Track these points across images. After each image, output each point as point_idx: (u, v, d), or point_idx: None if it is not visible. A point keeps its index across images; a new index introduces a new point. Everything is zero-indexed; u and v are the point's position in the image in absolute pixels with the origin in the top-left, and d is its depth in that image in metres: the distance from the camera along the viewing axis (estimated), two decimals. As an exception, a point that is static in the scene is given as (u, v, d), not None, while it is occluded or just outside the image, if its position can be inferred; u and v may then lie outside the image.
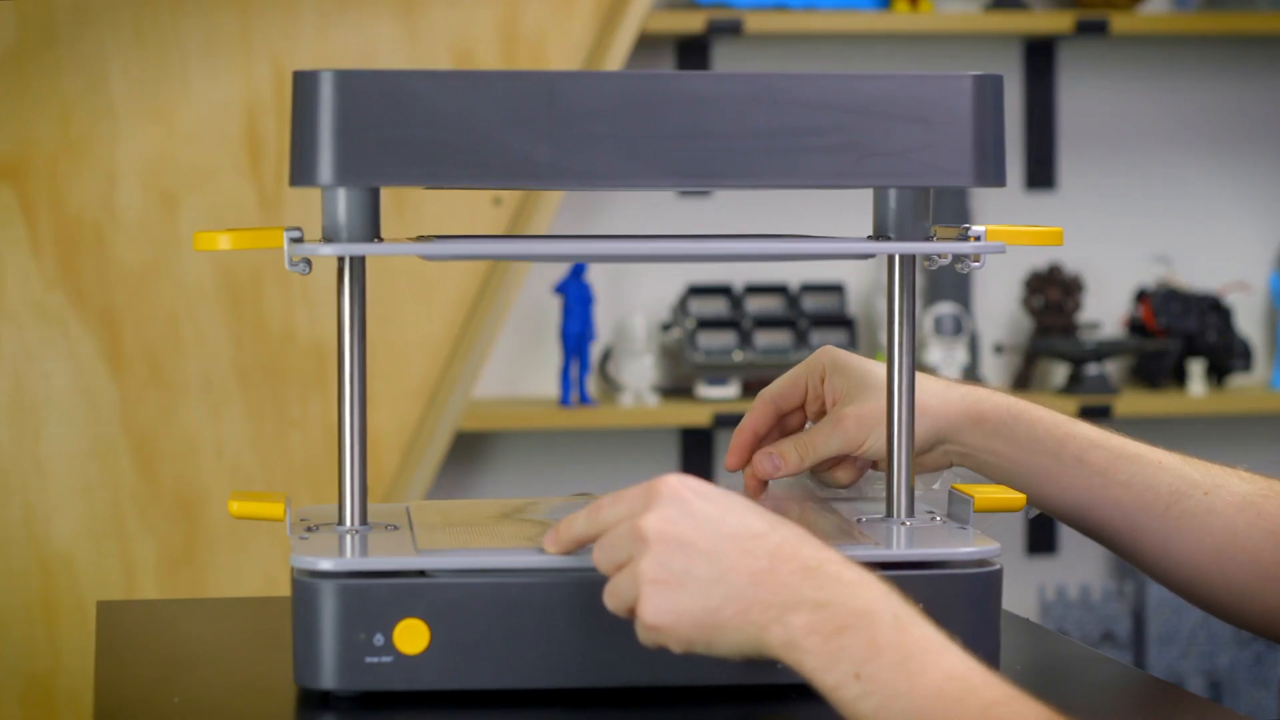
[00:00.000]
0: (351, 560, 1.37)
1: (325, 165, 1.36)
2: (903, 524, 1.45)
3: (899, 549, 1.41)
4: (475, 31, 3.25)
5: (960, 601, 1.39)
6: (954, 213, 3.72)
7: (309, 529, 1.43)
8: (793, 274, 3.69)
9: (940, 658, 1.16)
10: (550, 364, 3.61)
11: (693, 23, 3.46)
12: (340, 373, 1.44)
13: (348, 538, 1.40)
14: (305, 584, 1.36)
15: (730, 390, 3.54)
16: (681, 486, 1.26)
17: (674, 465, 3.69)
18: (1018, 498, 1.50)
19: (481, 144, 1.37)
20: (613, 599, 1.28)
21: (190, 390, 3.15)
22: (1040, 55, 3.77)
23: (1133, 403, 3.62)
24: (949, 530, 1.45)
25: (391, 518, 1.48)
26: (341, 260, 1.41)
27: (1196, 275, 3.83)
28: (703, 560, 1.23)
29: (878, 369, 1.50)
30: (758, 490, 1.53)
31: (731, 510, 1.25)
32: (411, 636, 1.35)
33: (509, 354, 3.61)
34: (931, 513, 1.50)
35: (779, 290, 3.63)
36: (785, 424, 1.56)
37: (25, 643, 3.09)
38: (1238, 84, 3.84)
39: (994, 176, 1.43)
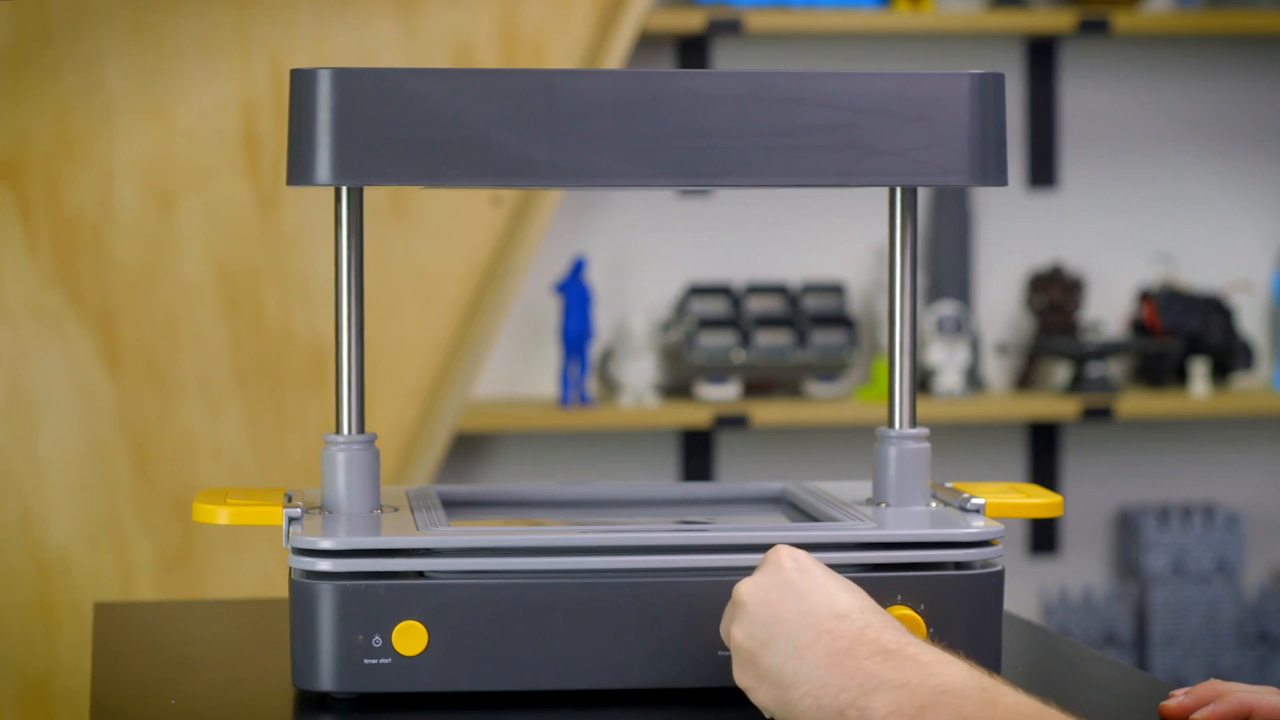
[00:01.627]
0: (352, 539, 1.36)
1: (323, 164, 1.36)
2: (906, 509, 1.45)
3: (900, 529, 1.40)
4: (474, 30, 3.24)
5: (962, 603, 1.39)
6: (956, 211, 3.71)
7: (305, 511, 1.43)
8: (793, 274, 3.69)
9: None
10: (550, 364, 3.60)
11: (693, 21, 3.45)
12: (338, 362, 1.43)
13: (345, 520, 1.40)
14: (303, 585, 1.36)
15: (730, 390, 3.53)
16: (785, 555, 1.28)
17: (674, 465, 3.68)
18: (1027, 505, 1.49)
19: (480, 143, 1.37)
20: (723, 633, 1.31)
21: (188, 390, 3.14)
22: (1042, 54, 3.76)
23: (1135, 403, 3.62)
24: (952, 515, 1.44)
25: (392, 499, 1.50)
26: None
27: (1199, 274, 3.82)
28: (782, 632, 1.24)
29: None
30: None
31: (822, 587, 1.25)
32: (410, 638, 1.35)
33: (508, 354, 3.60)
34: (934, 500, 1.50)
35: (779, 290, 3.62)
36: None
37: (22, 644, 3.09)
38: (1240, 83, 3.83)
39: (995, 175, 1.42)
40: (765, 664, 1.24)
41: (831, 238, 3.70)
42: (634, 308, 3.63)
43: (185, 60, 3.11)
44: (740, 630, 1.27)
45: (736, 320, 3.55)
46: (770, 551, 1.29)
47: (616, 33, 3.28)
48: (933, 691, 1.15)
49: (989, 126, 1.41)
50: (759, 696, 1.26)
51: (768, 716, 1.27)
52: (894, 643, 1.20)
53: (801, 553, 1.28)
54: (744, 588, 1.28)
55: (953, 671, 1.17)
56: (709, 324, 3.53)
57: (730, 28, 3.46)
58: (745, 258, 3.69)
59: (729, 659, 1.37)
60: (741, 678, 1.27)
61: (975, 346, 3.68)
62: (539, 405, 3.53)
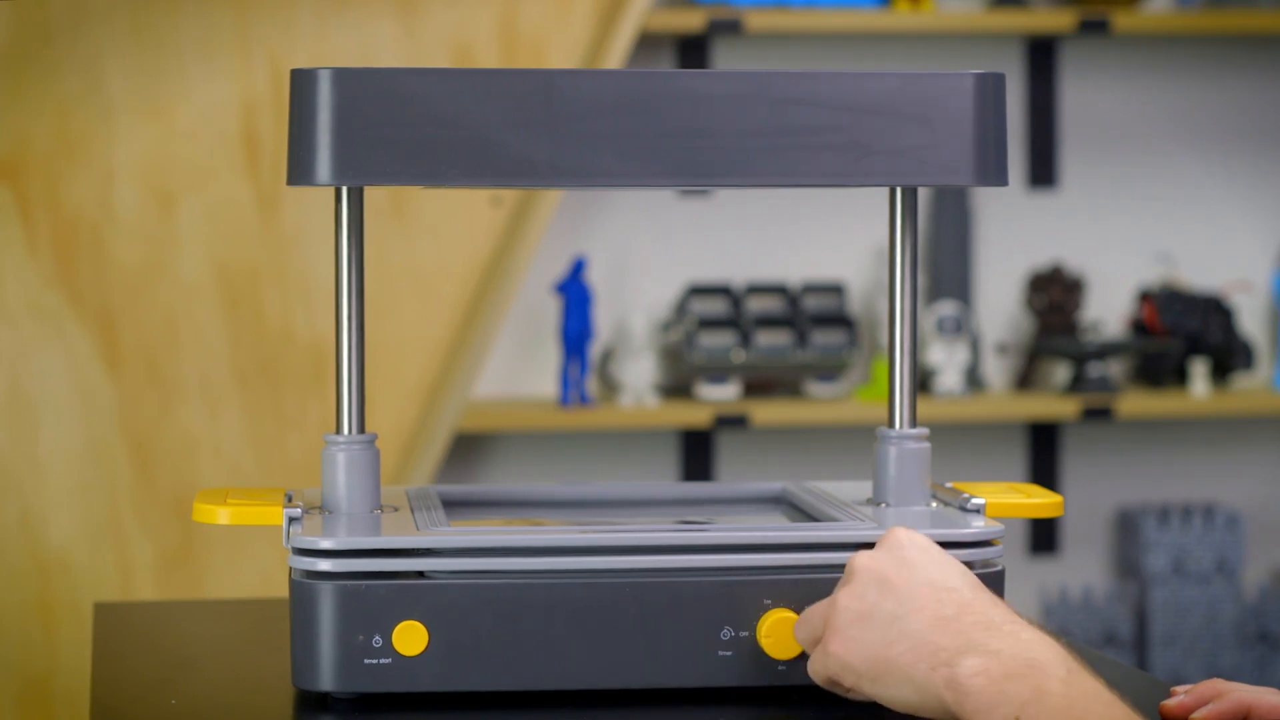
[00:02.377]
0: (352, 539, 1.36)
1: (323, 164, 1.36)
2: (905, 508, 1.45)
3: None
4: (474, 30, 3.24)
5: (962, 603, 1.38)
6: (956, 211, 3.71)
7: (306, 511, 1.43)
8: (793, 274, 3.69)
9: (1107, 710, 1.17)
10: (550, 364, 3.60)
11: (693, 21, 3.45)
12: (338, 362, 1.43)
13: (346, 520, 1.40)
14: (304, 585, 1.36)
15: (730, 390, 3.53)
16: (904, 536, 1.30)
17: (674, 465, 3.68)
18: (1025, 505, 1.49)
19: (480, 143, 1.37)
20: (804, 626, 1.33)
21: (188, 390, 3.14)
22: (1042, 54, 3.76)
23: (1135, 403, 3.62)
24: (952, 515, 1.44)
25: (392, 499, 1.50)
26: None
27: (1199, 274, 3.82)
28: (893, 598, 1.26)
29: None
30: None
31: (938, 564, 1.28)
32: (410, 638, 1.35)
33: (508, 354, 3.60)
34: (934, 500, 1.50)
35: (779, 290, 3.62)
36: None
37: (22, 644, 3.09)
38: (1240, 83, 3.83)
39: (996, 176, 1.42)
40: (870, 625, 1.27)
41: (831, 238, 3.70)
42: (634, 308, 3.63)
43: (185, 60, 3.11)
44: (850, 595, 1.28)
45: (736, 320, 3.55)
46: (888, 531, 1.32)
47: (616, 33, 3.28)
48: (1022, 663, 1.20)
49: (989, 126, 1.41)
50: (852, 656, 1.27)
51: (846, 687, 1.29)
52: (999, 617, 1.24)
53: (919, 534, 1.31)
54: (859, 558, 1.30)
55: (1046, 649, 1.21)
56: (709, 324, 3.53)
57: (730, 28, 3.46)
58: (745, 258, 3.69)
59: (729, 659, 1.37)
60: (835, 643, 1.28)
61: (975, 346, 3.68)
62: (539, 405, 3.53)
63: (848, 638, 1.27)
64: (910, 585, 1.27)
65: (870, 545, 1.39)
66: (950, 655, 1.22)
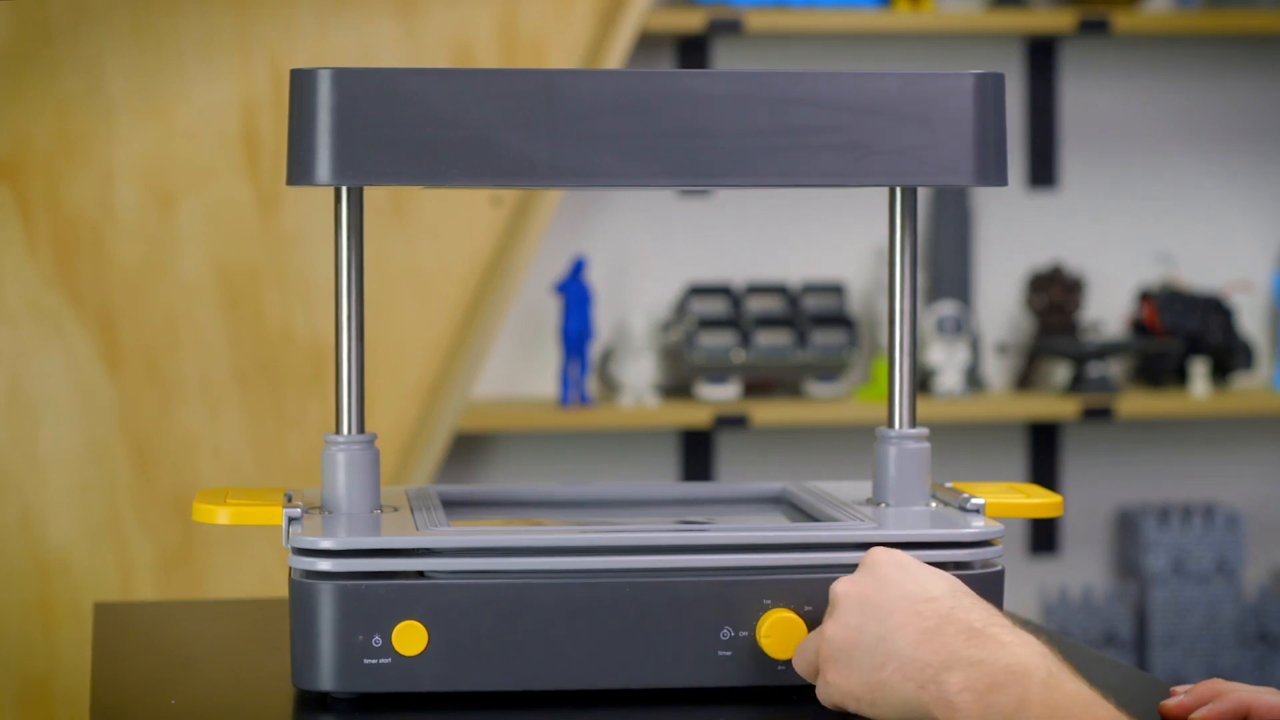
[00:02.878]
0: (352, 539, 1.36)
1: (323, 164, 1.36)
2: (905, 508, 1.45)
3: (900, 529, 1.40)
4: (474, 30, 3.24)
5: (962, 603, 1.38)
6: (956, 211, 3.71)
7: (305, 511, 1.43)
8: (793, 274, 3.69)
9: (1089, 710, 1.18)
10: (550, 364, 3.60)
11: (693, 21, 3.45)
12: (338, 362, 1.43)
13: (346, 520, 1.40)
14: (304, 585, 1.36)
15: (730, 390, 3.53)
16: (882, 555, 1.31)
17: (674, 465, 3.68)
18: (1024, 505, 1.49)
19: (480, 143, 1.37)
20: (800, 660, 1.34)
21: (188, 390, 3.14)
22: (1042, 54, 3.76)
23: (1135, 403, 3.62)
24: (952, 515, 1.44)
25: (392, 499, 1.50)
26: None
27: (1199, 274, 3.82)
28: (875, 618, 1.27)
29: None
30: None
31: (916, 577, 1.29)
32: (410, 638, 1.35)
33: (508, 354, 3.60)
34: (934, 500, 1.50)
35: (779, 290, 3.62)
36: None
37: (22, 644, 3.09)
38: (1240, 83, 3.83)
39: (995, 176, 1.42)
40: (859, 650, 1.28)
41: (831, 238, 3.70)
42: (634, 308, 3.63)
43: (185, 60, 3.11)
44: (835, 624, 1.30)
45: (736, 320, 3.55)
46: (867, 553, 1.32)
47: (616, 33, 3.28)
48: (1003, 670, 1.20)
49: (989, 126, 1.41)
50: (850, 684, 1.28)
51: (851, 712, 1.29)
52: (980, 621, 1.24)
53: (897, 550, 1.32)
54: (839, 585, 1.31)
55: (1027, 652, 1.21)
56: (709, 324, 3.53)
57: (730, 28, 3.46)
58: (745, 258, 3.69)
59: (729, 659, 1.37)
60: (832, 674, 1.29)
61: (975, 346, 3.68)
62: (539, 405, 3.53)
63: (841, 666, 1.29)
64: (890, 603, 1.28)
65: (870, 545, 1.39)
66: (935, 671, 1.23)
